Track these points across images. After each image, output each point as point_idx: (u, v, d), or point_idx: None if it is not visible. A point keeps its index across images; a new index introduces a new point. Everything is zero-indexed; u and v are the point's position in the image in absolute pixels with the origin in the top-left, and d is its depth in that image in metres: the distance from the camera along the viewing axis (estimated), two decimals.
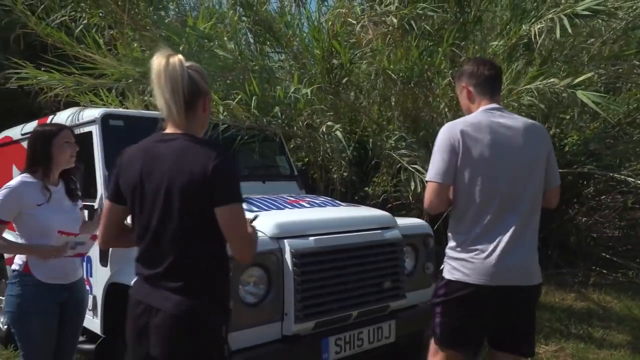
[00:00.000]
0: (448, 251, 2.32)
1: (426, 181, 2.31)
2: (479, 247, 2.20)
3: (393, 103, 5.10)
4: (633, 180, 5.04)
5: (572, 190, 6.55)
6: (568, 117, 6.35)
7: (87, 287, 3.19)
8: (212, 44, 4.26)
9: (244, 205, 1.66)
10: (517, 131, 2.25)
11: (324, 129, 4.07)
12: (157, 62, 1.65)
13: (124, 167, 1.71)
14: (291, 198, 3.33)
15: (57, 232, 2.46)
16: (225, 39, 4.43)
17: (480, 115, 2.28)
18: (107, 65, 3.92)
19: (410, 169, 4.21)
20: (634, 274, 5.89)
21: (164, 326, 1.60)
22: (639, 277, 5.81)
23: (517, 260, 2.19)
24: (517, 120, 2.30)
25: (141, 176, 1.65)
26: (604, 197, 6.57)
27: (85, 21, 4.76)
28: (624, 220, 7.18)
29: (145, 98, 4.82)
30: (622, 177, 5.26)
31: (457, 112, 5.36)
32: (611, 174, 5.49)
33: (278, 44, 5.38)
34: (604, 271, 6.09)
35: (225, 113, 3.83)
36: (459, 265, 2.24)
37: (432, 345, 2.40)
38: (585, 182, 6.49)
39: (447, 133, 2.24)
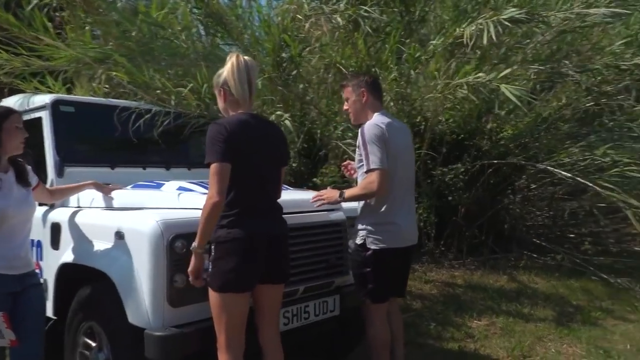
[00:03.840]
0: (369, 227, 2.85)
1: (373, 169, 2.73)
2: (393, 221, 2.84)
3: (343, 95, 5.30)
4: (552, 169, 5.46)
5: (506, 181, 6.98)
6: (504, 112, 6.76)
7: (37, 271, 3.23)
8: (165, 32, 4.34)
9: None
10: (403, 129, 3.02)
11: (273, 118, 4.23)
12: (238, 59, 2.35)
13: (235, 135, 2.26)
14: None
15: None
16: (179, 28, 4.51)
17: (383, 117, 2.88)
18: (60, 48, 3.92)
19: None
20: (562, 258, 6.36)
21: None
22: (565, 260, 6.28)
23: (412, 227, 2.98)
24: (399, 121, 3.09)
25: (254, 142, 2.34)
26: (534, 186, 6.99)
27: (35, 1, 4.67)
28: (553, 209, 7.71)
29: (94, 85, 4.83)
30: (544, 166, 5.68)
31: (401, 104, 5.67)
32: (537, 165, 5.90)
33: (229, 36, 5.49)
34: (535, 255, 6.54)
35: (176, 100, 3.93)
36: (381, 236, 2.81)
37: (371, 309, 2.91)
38: (518, 174, 6.91)
39: (377, 128, 2.76)
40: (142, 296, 2.44)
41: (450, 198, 6.40)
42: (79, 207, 3.15)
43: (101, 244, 2.71)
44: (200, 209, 2.38)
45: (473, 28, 4.13)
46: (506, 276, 5.86)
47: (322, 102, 5.78)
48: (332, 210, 3.21)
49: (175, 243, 2.44)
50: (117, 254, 2.59)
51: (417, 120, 6.02)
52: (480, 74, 4.12)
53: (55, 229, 3.08)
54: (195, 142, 4.19)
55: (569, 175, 5.23)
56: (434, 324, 4.35)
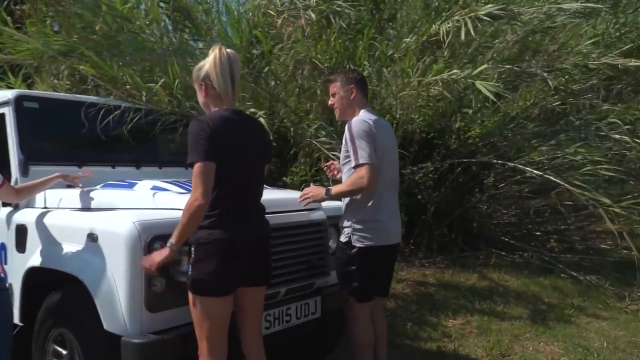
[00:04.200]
0: (354, 224, 2.80)
1: (362, 164, 2.68)
2: (379, 218, 2.80)
3: (318, 92, 5.24)
4: (523, 167, 5.54)
5: (474, 180, 7.05)
6: (471, 111, 6.82)
7: (2, 275, 3.05)
8: (132, 25, 4.17)
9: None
10: (387, 127, 3.01)
11: None
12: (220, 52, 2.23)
13: (218, 132, 2.14)
14: None
15: None
16: (147, 22, 4.35)
17: (369, 114, 2.86)
18: (22, 41, 3.71)
19: (331, 156, 4.37)
20: (530, 255, 6.46)
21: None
22: (534, 258, 6.38)
23: (397, 225, 2.95)
24: (383, 119, 3.06)
25: (238, 139, 2.23)
26: (502, 185, 7.08)
27: None
28: (520, 207, 7.84)
29: (56, 81, 4.63)
30: (514, 164, 5.76)
31: (372, 102, 5.63)
32: (508, 164, 5.97)
33: (197, 31, 5.34)
34: (503, 253, 6.62)
35: (147, 96, 3.77)
36: (367, 233, 2.77)
37: (356, 308, 2.85)
38: (486, 172, 6.99)
39: (365, 124, 2.74)
40: (118, 301, 2.31)
41: (419, 197, 6.40)
42: (45, 207, 2.98)
43: (72, 247, 2.57)
44: (177, 209, 2.28)
45: (449, 25, 4.12)
46: (477, 274, 5.89)
47: (292, 100, 5.69)
48: (313, 209, 3.14)
49: (153, 245, 2.33)
50: (90, 257, 2.45)
51: (386, 118, 6.01)
52: (454, 71, 4.13)
53: (21, 231, 2.91)
54: (167, 140, 4.06)
55: (540, 173, 5.30)
56: (410, 324, 4.32)
